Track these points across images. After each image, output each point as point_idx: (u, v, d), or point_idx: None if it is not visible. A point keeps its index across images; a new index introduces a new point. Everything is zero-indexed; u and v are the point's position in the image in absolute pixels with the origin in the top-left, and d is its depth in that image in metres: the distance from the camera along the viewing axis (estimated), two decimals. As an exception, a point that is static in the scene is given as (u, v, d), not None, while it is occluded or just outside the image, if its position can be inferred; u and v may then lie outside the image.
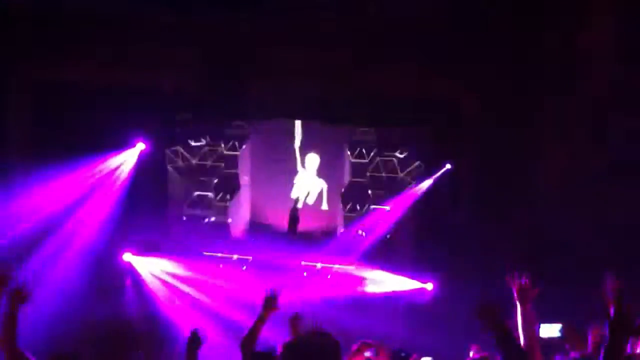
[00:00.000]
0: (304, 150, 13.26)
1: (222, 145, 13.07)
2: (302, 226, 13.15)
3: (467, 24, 9.66)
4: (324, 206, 13.32)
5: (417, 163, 12.46)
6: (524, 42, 9.62)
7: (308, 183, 13.37)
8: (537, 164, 9.88)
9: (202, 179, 13.15)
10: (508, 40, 9.69)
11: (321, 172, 13.32)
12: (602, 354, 3.03)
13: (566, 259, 8.77)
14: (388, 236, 12.14)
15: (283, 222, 13.22)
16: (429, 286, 10.68)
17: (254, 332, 4.28)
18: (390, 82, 10.69)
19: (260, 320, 4.34)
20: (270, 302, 4.39)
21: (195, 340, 4.26)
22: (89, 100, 11.08)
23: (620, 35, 8.30)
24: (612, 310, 3.01)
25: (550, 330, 8.38)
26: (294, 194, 13.38)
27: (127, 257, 11.54)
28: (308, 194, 13.42)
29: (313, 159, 13.23)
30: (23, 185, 10.10)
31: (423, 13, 9.32)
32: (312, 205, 13.37)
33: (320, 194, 13.35)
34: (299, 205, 13.35)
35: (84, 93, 10.94)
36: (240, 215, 13.50)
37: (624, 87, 8.30)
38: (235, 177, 13.20)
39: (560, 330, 8.15)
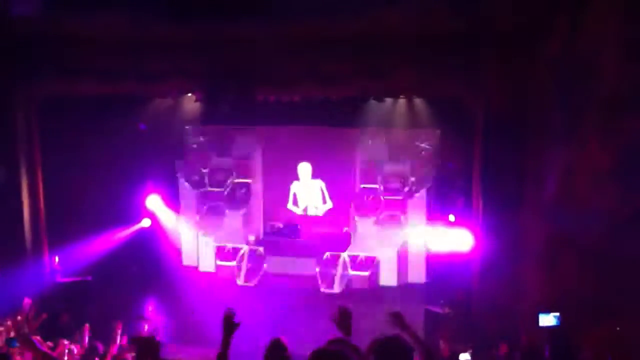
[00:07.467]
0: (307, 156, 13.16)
1: (232, 154, 13.03)
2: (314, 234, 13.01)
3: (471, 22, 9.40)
4: (328, 204, 13.20)
5: (427, 167, 12.22)
6: (529, 36, 9.32)
7: (307, 189, 13.19)
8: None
9: (213, 188, 13.14)
10: (512, 34, 9.42)
11: (330, 178, 13.14)
12: None
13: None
14: None
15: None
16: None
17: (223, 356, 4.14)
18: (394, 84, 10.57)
19: (225, 345, 4.17)
20: (230, 323, 4.19)
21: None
22: (94, 113, 11.21)
23: (628, 32, 7.93)
24: None
25: (547, 320, 8.24)
26: (300, 204, 13.19)
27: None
28: (312, 200, 13.23)
29: (305, 168, 13.05)
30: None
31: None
32: (320, 210, 13.23)
33: (322, 195, 13.19)
34: (309, 213, 13.20)
35: (90, 107, 11.06)
36: (253, 222, 13.46)
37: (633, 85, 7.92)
38: (247, 185, 13.16)
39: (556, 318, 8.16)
